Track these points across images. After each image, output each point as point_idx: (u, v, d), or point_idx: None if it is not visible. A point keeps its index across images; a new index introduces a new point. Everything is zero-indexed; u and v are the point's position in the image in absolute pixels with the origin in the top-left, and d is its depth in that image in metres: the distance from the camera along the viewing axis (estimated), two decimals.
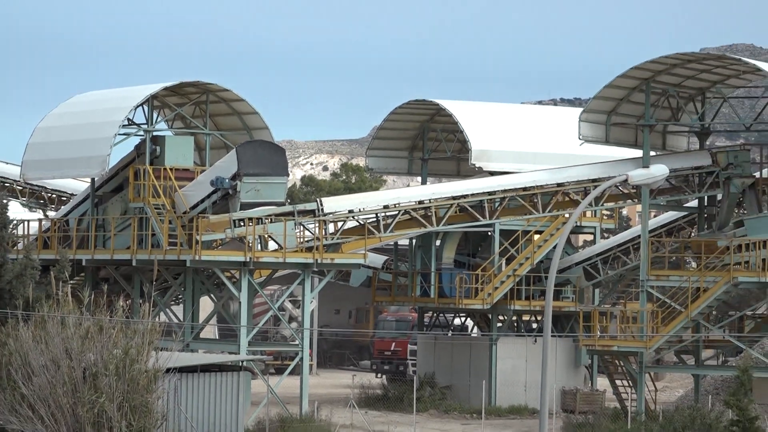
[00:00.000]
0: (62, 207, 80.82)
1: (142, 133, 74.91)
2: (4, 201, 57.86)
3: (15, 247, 56.88)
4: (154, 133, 74.87)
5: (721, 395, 64.55)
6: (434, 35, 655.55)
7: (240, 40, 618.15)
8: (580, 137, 74.92)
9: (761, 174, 75.31)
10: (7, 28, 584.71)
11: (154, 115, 76.27)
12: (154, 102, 75.72)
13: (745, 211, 74.53)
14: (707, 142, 77.22)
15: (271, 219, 71.53)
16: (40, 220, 79.97)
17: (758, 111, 75.06)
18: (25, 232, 72.76)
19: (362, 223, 74.75)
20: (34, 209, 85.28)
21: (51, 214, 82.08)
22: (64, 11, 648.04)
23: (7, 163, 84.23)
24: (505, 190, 76.66)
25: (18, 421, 47.24)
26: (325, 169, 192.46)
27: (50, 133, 76.39)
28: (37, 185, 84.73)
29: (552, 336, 37.54)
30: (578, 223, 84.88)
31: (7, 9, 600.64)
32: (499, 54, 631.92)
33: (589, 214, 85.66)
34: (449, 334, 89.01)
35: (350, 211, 75.29)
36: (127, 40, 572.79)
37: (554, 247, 75.13)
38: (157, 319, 62.58)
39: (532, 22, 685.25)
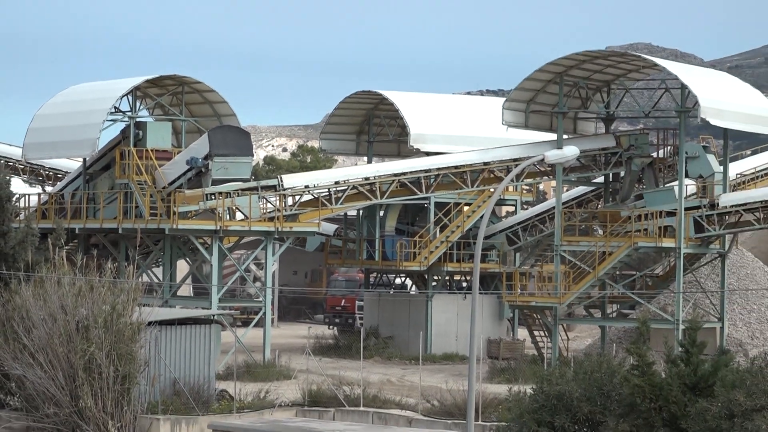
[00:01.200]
0: (58, 183, 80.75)
1: (127, 119, 74.92)
2: (8, 178, 57.95)
3: (17, 218, 56.99)
4: (137, 120, 74.91)
5: (624, 344, 64.80)
6: (378, 35, 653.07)
7: (211, 40, 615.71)
8: (504, 123, 75.30)
9: (658, 154, 75.95)
10: (12, 27, 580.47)
11: (137, 104, 76.41)
12: (137, 92, 75.77)
13: (644, 186, 75.05)
14: (612, 127, 77.60)
15: (238, 193, 71.82)
16: (39, 194, 79.82)
17: (655, 100, 75.56)
18: (26, 205, 72.82)
19: (316, 196, 74.96)
20: (33, 185, 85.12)
21: (48, 189, 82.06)
22: (60, 13, 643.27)
23: (10, 145, 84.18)
24: (439, 168, 76.96)
25: (20, 368, 47.40)
26: (285, 150, 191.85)
27: (48, 119, 76.43)
28: (36, 164, 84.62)
29: (479, 293, 37.90)
30: (502, 197, 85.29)
31: (9, 10, 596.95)
32: (434, 50, 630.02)
33: (511, 188, 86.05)
34: (391, 292, 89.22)
35: (306, 187, 75.50)
36: (114, 39, 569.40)
37: (481, 217, 75.82)
38: (139, 280, 62.93)
39: (462, 24, 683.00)
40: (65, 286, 48.57)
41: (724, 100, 72.62)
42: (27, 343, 47.30)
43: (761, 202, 73.05)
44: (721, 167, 73.99)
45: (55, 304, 47.86)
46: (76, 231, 71.57)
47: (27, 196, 76.64)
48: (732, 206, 72.49)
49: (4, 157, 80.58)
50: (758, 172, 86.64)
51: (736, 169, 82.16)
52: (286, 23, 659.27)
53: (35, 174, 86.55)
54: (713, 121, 71.40)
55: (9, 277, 50.43)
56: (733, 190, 75.64)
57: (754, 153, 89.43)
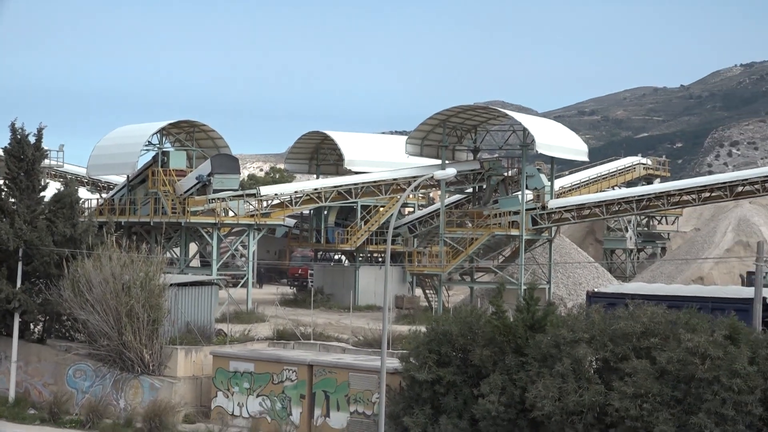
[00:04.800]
0: (110, 191, 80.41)
1: (156, 149, 74.94)
2: (77, 188, 57.53)
3: (83, 214, 56.58)
4: (163, 149, 74.90)
5: (486, 298, 65.08)
6: (325, 92, 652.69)
7: (212, 95, 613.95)
8: (406, 153, 75.43)
9: (507, 174, 76.12)
10: (81, 85, 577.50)
11: (163, 139, 76.32)
12: (162, 131, 75.77)
13: (499, 195, 75.25)
14: (477, 156, 77.74)
15: (230, 198, 71.70)
16: (97, 199, 79.74)
17: (506, 138, 75.71)
18: (89, 206, 72.45)
19: (282, 201, 74.82)
20: (94, 192, 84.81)
21: (104, 195, 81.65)
22: (114, 75, 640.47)
23: (79, 166, 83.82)
24: (364, 183, 76.94)
25: (84, 314, 47.12)
26: (261, 170, 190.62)
27: (103, 149, 76.05)
28: (95, 179, 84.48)
29: (390, 265, 38.03)
30: (405, 202, 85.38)
31: (78, 74, 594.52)
32: (361, 102, 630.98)
33: (411, 196, 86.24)
34: (332, 264, 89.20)
35: (275, 194, 75.33)
36: (146, 95, 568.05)
37: (391, 215, 75.79)
38: (164, 256, 62.65)
39: (380, 85, 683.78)
40: (114, 260, 48.27)
41: (551, 138, 72.97)
42: (89, 297, 47.00)
43: (575, 205, 73.62)
44: (549, 183, 74.40)
45: (108, 272, 47.55)
46: (122, 224, 71.17)
47: (89, 200, 76.49)
48: (556, 208, 72.84)
49: (75, 174, 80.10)
50: (573, 185, 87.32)
51: (559, 183, 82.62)
52: (264, 84, 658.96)
53: (95, 185, 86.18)
54: (544, 152, 71.76)
55: (78, 254, 50.09)
56: (557, 198, 76.00)
57: (570, 173, 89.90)
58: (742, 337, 32.95)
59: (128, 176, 75.54)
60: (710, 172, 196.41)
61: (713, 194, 71.74)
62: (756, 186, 69.87)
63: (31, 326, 51.97)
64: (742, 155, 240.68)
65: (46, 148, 55.48)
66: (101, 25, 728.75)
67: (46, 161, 62.99)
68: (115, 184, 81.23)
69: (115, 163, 75.17)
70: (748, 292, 39.67)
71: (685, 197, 72.44)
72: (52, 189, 55.56)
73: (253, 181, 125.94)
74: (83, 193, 73.06)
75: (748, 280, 63.75)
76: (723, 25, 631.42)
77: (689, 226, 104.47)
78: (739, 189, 70.83)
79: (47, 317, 51.85)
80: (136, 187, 74.90)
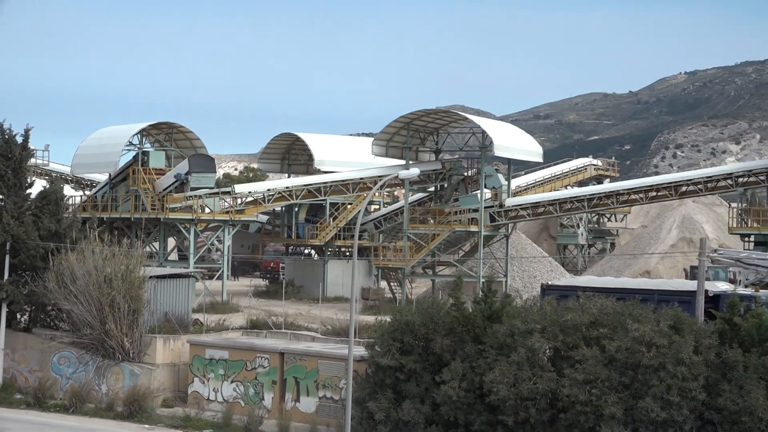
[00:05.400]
0: (93, 189, 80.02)
1: (136, 149, 74.62)
2: (62, 185, 57.31)
3: (67, 210, 56.32)
4: (143, 149, 74.58)
5: (447, 290, 65.17)
6: (297, 97, 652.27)
7: (191, 97, 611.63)
8: (372, 154, 75.41)
9: (467, 174, 76.26)
10: (65, 87, 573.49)
11: (143, 140, 75.96)
12: (143, 132, 75.43)
13: (459, 193, 75.36)
14: (439, 157, 77.83)
15: (206, 196, 71.51)
16: (81, 196, 79.38)
17: (466, 140, 75.80)
18: (73, 202, 72.04)
19: (255, 198, 74.70)
20: (77, 190, 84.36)
21: (87, 192, 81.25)
22: (91, 79, 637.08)
23: (63, 165, 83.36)
24: (332, 182, 76.88)
25: (68, 304, 46.90)
26: (236, 169, 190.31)
27: (87, 148, 75.64)
28: (79, 176, 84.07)
29: (357, 259, 38.03)
30: (372, 200, 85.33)
31: (63, 76, 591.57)
32: (330, 105, 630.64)
33: (377, 194, 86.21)
34: (302, 258, 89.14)
35: (249, 192, 75.23)
36: (127, 98, 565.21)
37: (358, 212, 75.80)
38: (144, 250, 62.44)
39: (351, 88, 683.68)
40: (97, 253, 48.04)
41: (508, 140, 73.10)
42: (72, 289, 46.79)
43: (530, 203, 73.86)
44: (506, 182, 74.56)
45: (90, 265, 47.30)
46: (104, 219, 70.78)
47: (73, 197, 76.09)
48: (513, 206, 73.05)
49: (60, 172, 79.81)
50: (529, 185, 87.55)
51: (516, 183, 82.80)
52: (239, 88, 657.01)
53: (79, 183, 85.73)
54: (501, 154, 71.91)
55: (62, 248, 49.90)
56: (514, 196, 76.18)
57: (526, 173, 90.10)
58: (685, 327, 33.16)
59: (110, 174, 75.15)
60: (656, 173, 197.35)
61: (659, 193, 72.15)
62: (699, 186, 70.34)
63: (18, 316, 51.72)
64: (686, 157, 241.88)
65: (32, 147, 55.57)
66: (83, 30, 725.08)
67: (33, 160, 62.61)
68: (98, 182, 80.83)
69: (97, 162, 74.86)
70: (691, 285, 39.83)
71: (633, 196, 72.79)
72: (38, 186, 55.44)
73: (228, 179, 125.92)
74: (68, 190, 72.48)
75: (692, 273, 63.94)
76: (669, 35, 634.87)
77: (637, 223, 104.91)
78: (684, 189, 71.28)
79: (33, 307, 51.65)
80: (118, 185, 74.51)
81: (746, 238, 68.74)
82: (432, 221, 74.73)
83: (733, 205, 70.16)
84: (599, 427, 32.34)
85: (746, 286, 50.21)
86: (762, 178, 67.90)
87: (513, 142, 73.71)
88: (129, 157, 75.00)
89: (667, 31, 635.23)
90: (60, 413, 44.83)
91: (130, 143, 74.40)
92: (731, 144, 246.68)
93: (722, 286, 40.66)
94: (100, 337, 46.67)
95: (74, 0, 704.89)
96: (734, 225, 68.63)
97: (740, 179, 68.54)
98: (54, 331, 50.05)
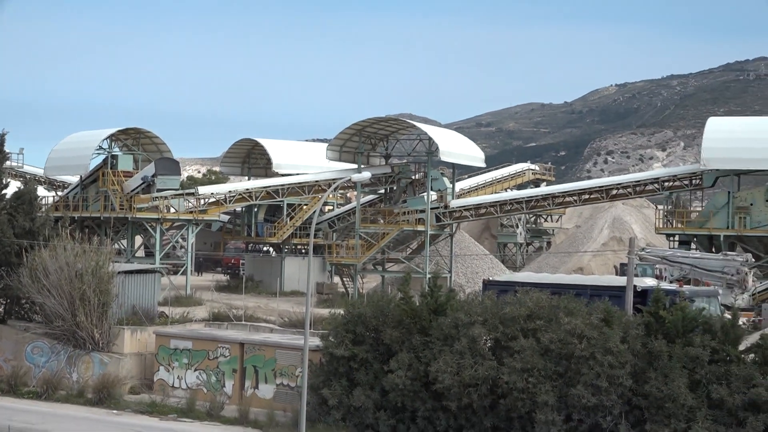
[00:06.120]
0: (65, 190, 79.36)
1: (105, 153, 74.16)
2: (35, 186, 56.95)
3: (41, 209, 55.95)
4: (112, 153, 74.11)
5: (395, 285, 65.29)
6: (256, 102, 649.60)
7: (159, 102, 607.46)
8: (327, 158, 75.31)
9: (415, 177, 76.37)
10: (37, 97, 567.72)
11: (112, 144, 75.41)
12: (112, 137, 74.92)
13: (407, 195, 75.47)
14: (389, 161, 77.87)
15: (172, 197, 71.16)
16: (53, 196, 78.77)
17: (414, 146, 75.86)
18: (46, 202, 71.50)
19: (218, 199, 74.38)
20: (50, 191, 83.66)
21: (59, 193, 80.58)
22: (62, 86, 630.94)
23: (37, 168, 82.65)
24: (289, 184, 76.67)
25: (41, 298, 46.62)
26: (199, 172, 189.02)
27: (59, 152, 75.06)
28: (52, 178, 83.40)
29: (313, 256, 37.91)
30: (326, 201, 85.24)
31: (39, 87, 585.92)
32: (288, 111, 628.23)
33: (331, 196, 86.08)
34: (261, 255, 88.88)
35: (212, 193, 74.92)
36: (97, 104, 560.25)
37: (314, 212, 75.72)
38: (113, 247, 62.10)
39: (306, 95, 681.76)
40: (68, 250, 47.72)
41: (453, 146, 73.30)
42: (45, 283, 46.52)
43: (473, 205, 74.14)
44: (451, 185, 74.75)
45: (62, 261, 47.01)
46: (75, 218, 70.26)
47: (46, 197, 75.52)
48: (457, 207, 73.27)
49: (34, 174, 79.17)
50: (471, 188, 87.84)
51: (460, 186, 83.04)
52: (202, 95, 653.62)
53: (52, 184, 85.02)
54: (446, 159, 72.17)
55: (36, 245, 49.56)
56: (458, 198, 76.39)
57: (469, 177, 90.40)
58: (614, 320, 33.43)
59: (81, 176, 74.55)
60: (589, 178, 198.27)
61: (592, 196, 72.66)
62: (628, 189, 70.95)
63: None
64: (617, 163, 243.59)
65: (7, 151, 55.34)
66: (54, 41, 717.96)
67: (8, 163, 62.08)
68: (70, 184, 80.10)
69: (69, 164, 74.30)
70: (621, 280, 40.17)
71: (567, 199, 73.27)
72: (13, 187, 55.09)
73: (192, 181, 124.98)
74: (41, 191, 71.94)
75: (621, 270, 64.61)
76: (601, 50, 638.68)
77: (571, 223, 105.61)
78: (614, 192, 71.85)
79: (8, 300, 51.35)
80: (88, 186, 73.95)
81: (671, 238, 69.37)
82: (382, 221, 74.76)
83: (660, 207, 70.72)
84: (535, 413, 32.54)
85: (671, 282, 50.70)
86: (686, 182, 68.61)
87: (457, 148, 73.91)
88: (99, 160, 74.46)
89: (600, 47, 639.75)
90: (33, 400, 44.49)
91: (100, 147, 73.92)
92: (658, 151, 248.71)
93: (649, 282, 41.02)
94: (71, 329, 46.38)
95: (44, 14, 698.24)
96: (660, 225, 69.21)
97: (666, 183, 69.20)
98: (28, 323, 49.68)
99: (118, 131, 74.85)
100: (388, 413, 35.60)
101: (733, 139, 66.76)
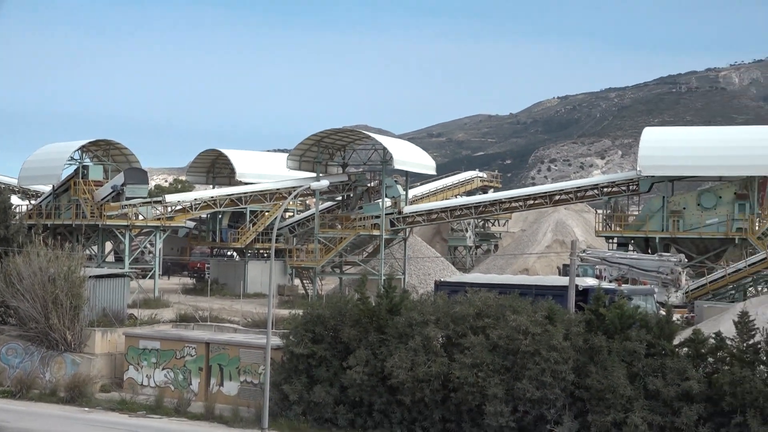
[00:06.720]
0: (39, 199, 78.74)
1: (77, 163, 73.74)
2: (9, 195, 56.48)
3: (14, 217, 55.48)
4: (83, 164, 73.72)
5: (352, 287, 65.34)
6: (224, 115, 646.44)
7: (128, 114, 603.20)
8: (288, 167, 75.22)
9: (370, 185, 76.45)
10: (15, 108, 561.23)
11: (83, 155, 75.01)
12: (83, 149, 74.53)
13: (364, 202, 75.54)
14: (346, 170, 77.90)
15: (140, 205, 70.79)
16: (27, 205, 78.21)
17: (370, 155, 75.97)
18: (19, 210, 70.90)
19: (184, 207, 74.11)
20: (24, 199, 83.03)
21: (33, 201, 79.96)
22: (35, 98, 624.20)
23: (11, 177, 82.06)
24: (252, 192, 76.53)
25: (15, 301, 46.14)
26: (166, 181, 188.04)
27: (33, 162, 74.81)
28: (26, 188, 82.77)
29: (275, 259, 37.95)
30: (287, 208, 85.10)
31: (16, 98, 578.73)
32: (251, 123, 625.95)
33: (291, 203, 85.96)
34: (225, 259, 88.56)
35: (178, 201, 74.65)
36: (65, 114, 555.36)
37: (275, 218, 75.54)
38: (84, 252, 61.58)
39: (269, 107, 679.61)
40: (41, 256, 47.26)
41: (406, 156, 73.49)
42: (19, 288, 46.00)
43: (425, 210, 74.33)
44: (404, 192, 74.91)
45: (36, 266, 46.50)
46: (48, 225, 69.78)
47: (20, 206, 74.98)
48: (410, 213, 73.45)
49: (8, 183, 78.58)
50: (424, 194, 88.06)
51: (412, 193, 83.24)
52: (169, 107, 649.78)
53: (25, 193, 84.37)
54: (400, 167, 72.31)
55: (10, 251, 49.07)
56: (411, 204, 76.56)
57: (421, 184, 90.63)
58: (558, 318, 33.61)
59: (54, 186, 74.13)
60: (533, 184, 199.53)
61: (536, 202, 73.14)
62: (570, 195, 71.48)
63: None
64: (559, 170, 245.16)
65: None
66: (23, 50, 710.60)
67: None
68: (43, 193, 79.61)
69: (42, 174, 73.89)
70: (563, 280, 40.41)
71: (513, 204, 73.69)
72: None
73: (160, 190, 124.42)
74: (15, 199, 71.49)
75: (564, 271, 64.96)
76: (544, 65, 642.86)
77: (517, 227, 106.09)
78: (557, 197, 72.35)
79: None
80: (61, 195, 73.49)
81: (610, 240, 69.94)
82: (339, 226, 74.78)
83: (599, 211, 71.34)
84: (485, 405, 32.64)
85: (610, 282, 51.06)
86: (623, 188, 69.20)
87: (410, 157, 74.07)
88: (71, 170, 74.10)
89: (543, 62, 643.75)
90: (7, 399, 43.96)
91: (72, 158, 73.59)
92: (597, 159, 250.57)
93: (590, 282, 41.32)
94: (44, 331, 45.91)
95: (13, 26, 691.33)
96: (600, 229, 69.76)
97: (605, 189, 69.77)
98: (2, 326, 49.09)
99: (89, 143, 74.44)
100: (347, 407, 35.57)
101: (667, 147, 67.46)
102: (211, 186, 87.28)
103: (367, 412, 35.42)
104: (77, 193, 71.07)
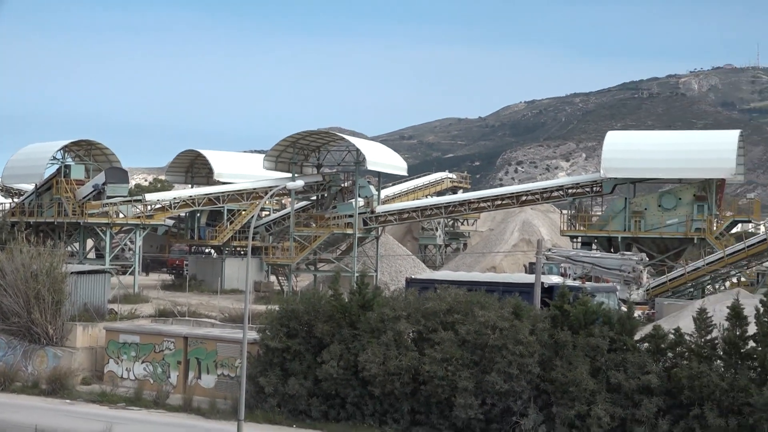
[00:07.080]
0: (21, 197, 78.26)
1: (59, 163, 73.39)
2: None
3: None
4: (65, 163, 73.37)
5: (326, 283, 65.24)
6: (203, 116, 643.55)
7: (109, 114, 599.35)
8: (264, 167, 75.09)
9: (344, 185, 76.40)
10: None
11: (65, 155, 74.72)
12: (65, 148, 74.24)
13: (337, 201, 75.51)
14: (320, 170, 77.84)
15: (121, 203, 70.49)
16: (10, 203, 77.81)
17: (344, 156, 76.00)
18: (3, 208, 70.50)
19: (163, 205, 73.87)
20: (7, 198, 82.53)
21: (16, 200, 79.48)
22: (17, 99, 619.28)
23: None
24: (229, 191, 76.45)
25: None
26: (146, 180, 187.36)
27: (16, 161, 74.43)
28: (9, 186, 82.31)
29: (251, 257, 37.84)
30: (263, 207, 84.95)
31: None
32: (229, 125, 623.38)
33: (268, 202, 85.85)
34: (203, 256, 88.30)
35: (158, 200, 74.42)
36: (47, 114, 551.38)
37: (252, 217, 75.39)
38: (66, 249, 61.26)
39: (248, 109, 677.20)
40: (24, 252, 46.97)
41: (378, 157, 73.56)
42: (2, 283, 45.70)
43: (397, 210, 74.39)
44: (377, 192, 74.97)
45: (18, 262, 46.19)
46: (31, 223, 69.34)
47: (3, 204, 74.60)
48: (382, 212, 73.50)
49: None
50: (395, 195, 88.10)
51: (385, 193, 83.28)
52: (149, 107, 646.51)
53: (8, 192, 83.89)
54: (373, 168, 72.39)
55: None
56: (383, 204, 76.60)
57: (393, 185, 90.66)
58: (524, 313, 33.74)
59: (36, 185, 73.78)
60: (501, 185, 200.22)
61: (503, 202, 73.36)
62: (536, 196, 71.76)
63: None
64: (525, 172, 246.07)
65: None
66: (7, 53, 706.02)
67: None
68: (26, 191, 79.18)
69: (25, 173, 73.59)
70: (530, 278, 40.61)
71: (482, 204, 73.88)
72: None
73: (139, 189, 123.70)
74: None
75: (530, 268, 65.24)
76: (511, 70, 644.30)
77: (485, 226, 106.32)
78: (524, 198, 72.60)
79: None
80: (43, 194, 73.15)
81: (574, 240, 70.25)
82: (314, 225, 74.72)
83: (564, 211, 71.65)
84: (454, 398, 32.73)
85: (575, 279, 51.34)
86: (587, 189, 69.54)
87: (382, 159, 74.13)
88: (53, 169, 73.82)
89: (510, 67, 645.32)
90: None
91: (54, 158, 73.36)
92: (562, 161, 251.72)
93: (555, 279, 41.53)
94: (26, 325, 45.63)
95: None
96: (565, 228, 70.05)
97: (570, 190, 70.09)
98: None
99: (71, 143, 74.12)
100: (320, 400, 35.57)
101: (629, 150, 67.87)
102: (189, 185, 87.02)
103: (340, 405, 35.44)
104: (59, 192, 70.72)
